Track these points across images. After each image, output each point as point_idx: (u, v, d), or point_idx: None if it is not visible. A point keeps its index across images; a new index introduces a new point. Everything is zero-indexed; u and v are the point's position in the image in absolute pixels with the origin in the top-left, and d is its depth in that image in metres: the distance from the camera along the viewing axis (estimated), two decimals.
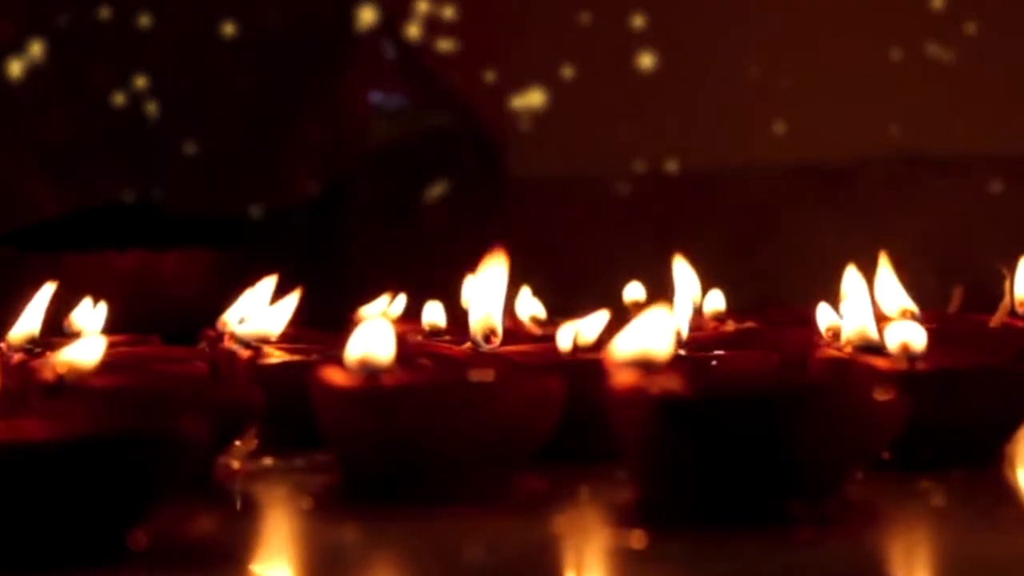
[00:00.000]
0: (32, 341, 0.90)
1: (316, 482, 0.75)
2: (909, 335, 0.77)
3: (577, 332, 0.81)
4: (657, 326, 0.66)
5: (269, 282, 0.97)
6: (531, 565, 0.59)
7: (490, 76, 1.76)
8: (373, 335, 0.70)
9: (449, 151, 1.73)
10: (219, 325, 0.98)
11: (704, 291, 1.09)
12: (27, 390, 0.70)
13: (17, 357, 0.87)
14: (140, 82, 1.63)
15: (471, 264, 0.89)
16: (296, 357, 0.86)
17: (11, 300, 0.92)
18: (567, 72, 1.75)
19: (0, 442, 0.58)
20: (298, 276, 0.95)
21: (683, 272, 1.07)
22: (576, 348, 0.81)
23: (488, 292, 0.86)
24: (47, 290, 0.93)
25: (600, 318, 0.83)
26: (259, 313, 0.92)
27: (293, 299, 0.91)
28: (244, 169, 1.64)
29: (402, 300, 1.06)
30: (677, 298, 0.94)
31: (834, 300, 1.07)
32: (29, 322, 0.91)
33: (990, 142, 1.60)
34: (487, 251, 0.87)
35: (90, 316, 0.96)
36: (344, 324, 0.72)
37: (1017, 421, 0.78)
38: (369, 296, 1.03)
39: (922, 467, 0.73)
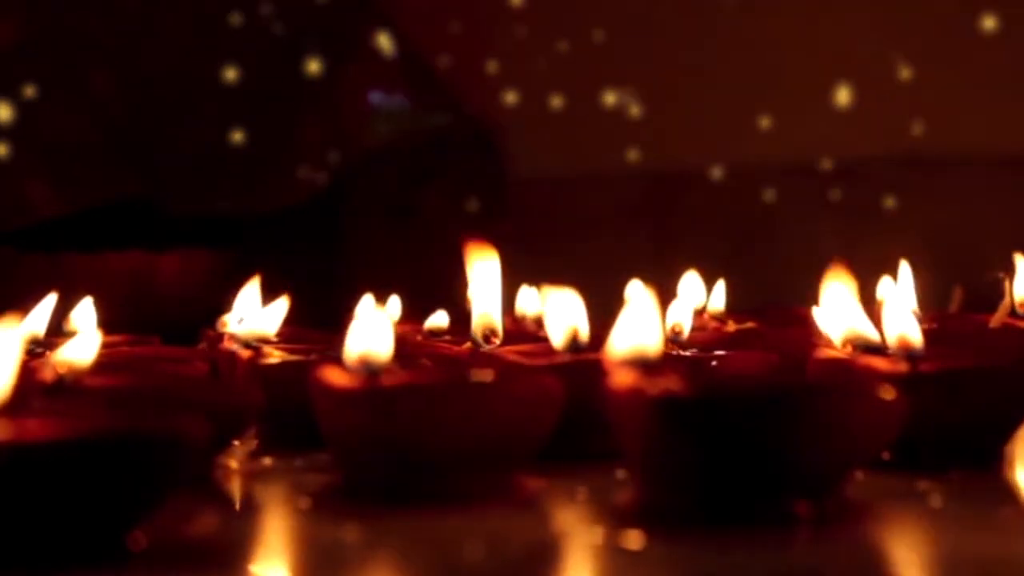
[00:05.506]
0: (35, 342, 0.90)
1: (316, 482, 0.75)
2: (906, 329, 0.77)
3: (576, 330, 0.81)
4: (643, 321, 0.67)
5: (255, 283, 0.96)
6: (531, 565, 0.59)
7: (490, 76, 1.76)
8: (372, 333, 0.70)
9: (449, 151, 1.73)
10: (219, 325, 0.98)
11: (705, 291, 1.09)
12: (27, 390, 0.70)
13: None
14: (140, 82, 1.62)
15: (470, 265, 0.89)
16: (296, 357, 0.86)
17: (11, 300, 0.92)
18: (567, 72, 1.75)
19: (0, 442, 0.58)
20: (298, 276, 0.95)
21: (689, 279, 1.07)
22: (576, 346, 0.81)
23: (487, 292, 0.86)
24: (52, 296, 0.93)
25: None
26: (255, 313, 0.92)
27: (284, 301, 0.91)
28: (244, 169, 1.64)
29: (394, 299, 1.06)
30: (678, 300, 0.94)
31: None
32: (32, 324, 0.91)
33: (991, 141, 1.60)
34: (472, 245, 0.86)
35: (88, 315, 0.96)
36: (344, 324, 0.72)
37: (1017, 421, 0.78)
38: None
39: (922, 467, 0.73)
